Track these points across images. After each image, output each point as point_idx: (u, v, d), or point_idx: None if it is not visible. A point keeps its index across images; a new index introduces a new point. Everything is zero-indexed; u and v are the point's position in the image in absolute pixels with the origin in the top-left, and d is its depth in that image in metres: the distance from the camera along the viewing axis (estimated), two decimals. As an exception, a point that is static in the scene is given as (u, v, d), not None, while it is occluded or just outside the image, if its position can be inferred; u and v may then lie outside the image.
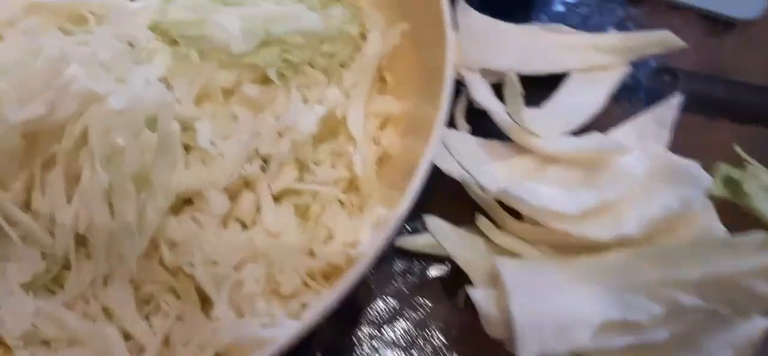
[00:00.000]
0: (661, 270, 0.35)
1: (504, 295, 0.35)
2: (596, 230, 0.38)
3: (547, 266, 0.38)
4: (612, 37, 0.50)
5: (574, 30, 0.51)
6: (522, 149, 0.44)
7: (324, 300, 0.29)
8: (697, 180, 0.38)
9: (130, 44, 0.35)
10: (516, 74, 0.41)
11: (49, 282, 0.33)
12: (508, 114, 0.44)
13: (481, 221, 0.40)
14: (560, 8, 0.55)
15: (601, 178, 0.41)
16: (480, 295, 0.36)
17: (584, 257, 0.38)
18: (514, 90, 0.41)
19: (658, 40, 0.48)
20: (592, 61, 0.49)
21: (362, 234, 0.34)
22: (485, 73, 0.48)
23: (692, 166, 0.39)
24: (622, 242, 0.39)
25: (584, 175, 0.42)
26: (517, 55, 0.48)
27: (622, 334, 0.34)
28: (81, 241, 0.33)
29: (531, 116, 0.43)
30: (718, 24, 0.54)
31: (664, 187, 0.39)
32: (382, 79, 0.41)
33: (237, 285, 0.32)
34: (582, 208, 0.38)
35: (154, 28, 0.36)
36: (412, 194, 0.31)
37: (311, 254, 0.34)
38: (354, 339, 0.39)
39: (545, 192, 0.38)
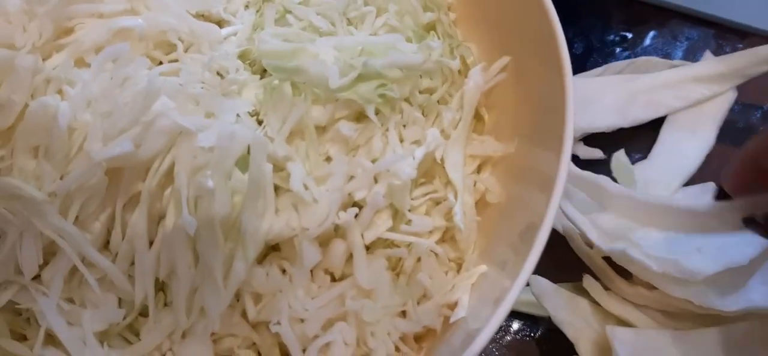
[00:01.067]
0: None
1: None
2: (721, 301, 0.34)
3: (663, 339, 0.34)
4: (714, 64, 0.45)
5: (666, 61, 0.46)
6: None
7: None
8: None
9: (219, 74, 0.32)
10: (624, 153, 0.36)
11: (125, 330, 0.30)
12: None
13: (589, 283, 0.36)
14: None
15: (723, 237, 0.37)
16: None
17: (703, 331, 0.34)
18: (625, 170, 0.37)
19: (768, 55, 0.43)
20: (695, 95, 0.44)
21: (462, 295, 0.31)
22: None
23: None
24: (748, 314, 0.34)
25: (703, 231, 0.37)
26: (616, 109, 0.44)
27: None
28: (160, 286, 0.30)
29: (639, 172, 0.39)
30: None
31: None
32: (477, 117, 0.38)
33: (324, 347, 0.29)
34: (704, 273, 0.34)
35: (243, 57, 0.34)
36: (533, 260, 0.27)
37: (403, 314, 0.31)
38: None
39: (666, 256, 0.34)
